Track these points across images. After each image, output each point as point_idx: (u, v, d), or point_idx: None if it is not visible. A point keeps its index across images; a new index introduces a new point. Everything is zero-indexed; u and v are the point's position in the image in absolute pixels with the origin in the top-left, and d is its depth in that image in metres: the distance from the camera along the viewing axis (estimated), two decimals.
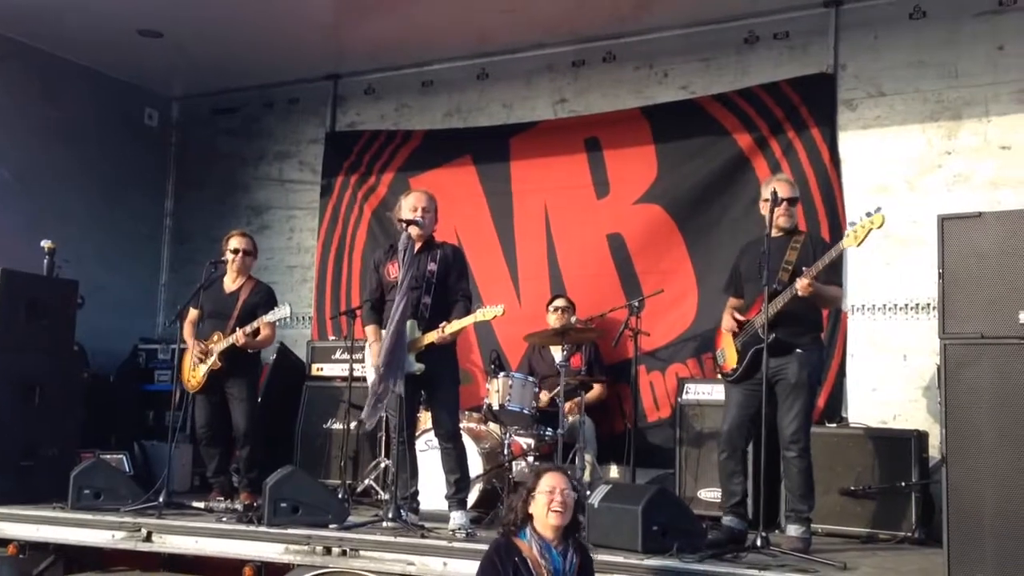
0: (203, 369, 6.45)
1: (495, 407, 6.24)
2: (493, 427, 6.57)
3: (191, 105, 9.61)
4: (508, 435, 6.28)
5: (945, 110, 6.63)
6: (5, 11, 7.54)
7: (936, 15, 6.70)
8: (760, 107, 7.16)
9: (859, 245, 4.94)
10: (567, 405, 6.28)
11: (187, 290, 7.39)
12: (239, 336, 6.31)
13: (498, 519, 5.24)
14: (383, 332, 5.51)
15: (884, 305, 6.66)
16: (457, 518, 5.38)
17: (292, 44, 8.09)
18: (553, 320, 6.97)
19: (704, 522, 5.36)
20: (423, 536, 5.03)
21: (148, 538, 5.55)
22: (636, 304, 6.64)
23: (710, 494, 6.09)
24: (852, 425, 6.22)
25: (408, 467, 5.61)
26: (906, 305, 6.59)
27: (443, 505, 5.57)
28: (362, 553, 4.99)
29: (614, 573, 4.45)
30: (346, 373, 7.02)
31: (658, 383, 7.23)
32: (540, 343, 6.88)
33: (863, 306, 6.71)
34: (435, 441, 5.75)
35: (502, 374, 6.34)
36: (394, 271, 5.56)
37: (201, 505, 6.25)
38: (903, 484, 5.70)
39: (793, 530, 5.07)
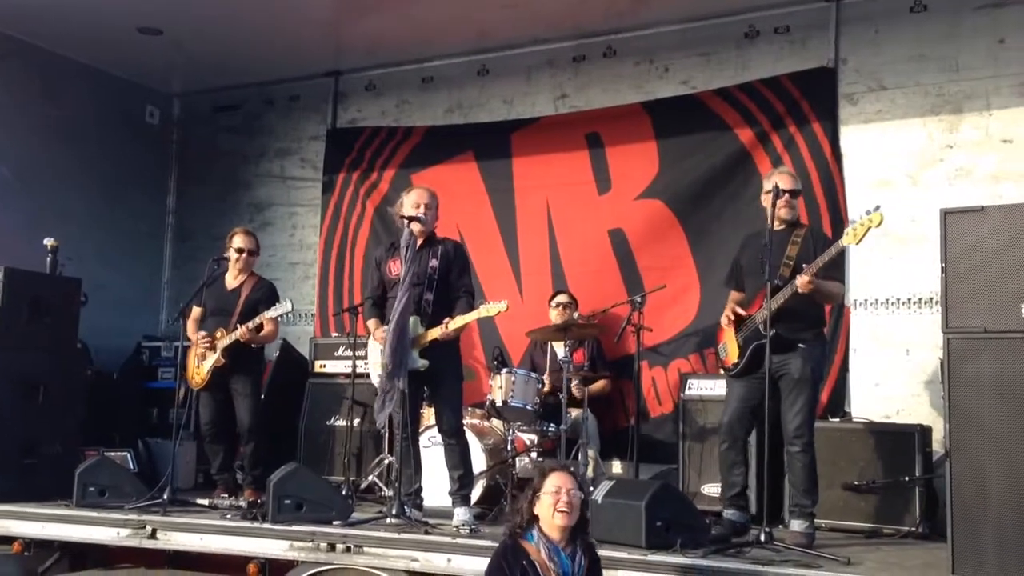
0: (207, 366, 6.45)
1: (498, 403, 6.24)
2: (496, 423, 6.58)
3: (192, 102, 9.61)
4: (511, 431, 6.29)
5: (946, 104, 6.63)
6: (5, 9, 7.53)
7: (937, 9, 6.70)
8: (761, 102, 7.15)
9: (858, 243, 4.93)
10: (572, 387, 6.29)
11: (189, 287, 7.39)
12: (242, 331, 6.31)
13: (502, 516, 5.25)
14: (385, 328, 5.52)
15: (887, 300, 6.66)
16: (461, 514, 5.38)
17: (293, 41, 8.09)
18: (555, 316, 6.97)
19: (707, 517, 5.37)
20: (427, 532, 5.04)
21: (153, 535, 5.56)
22: (638, 300, 6.64)
23: (713, 489, 6.09)
24: (855, 420, 6.21)
25: (412, 463, 5.62)
26: (908, 299, 6.59)
27: (447, 501, 5.58)
28: (366, 549, 5.00)
29: (618, 569, 4.45)
30: (349, 370, 7.02)
31: (660, 379, 7.23)
32: (542, 339, 6.89)
33: (865, 301, 6.71)
34: (438, 437, 5.75)
35: (505, 370, 6.34)
36: (396, 268, 5.56)
37: (205, 502, 6.26)
38: (906, 479, 5.69)
39: (797, 525, 5.07)
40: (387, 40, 8.05)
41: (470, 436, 6.06)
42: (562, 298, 7.11)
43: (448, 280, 5.63)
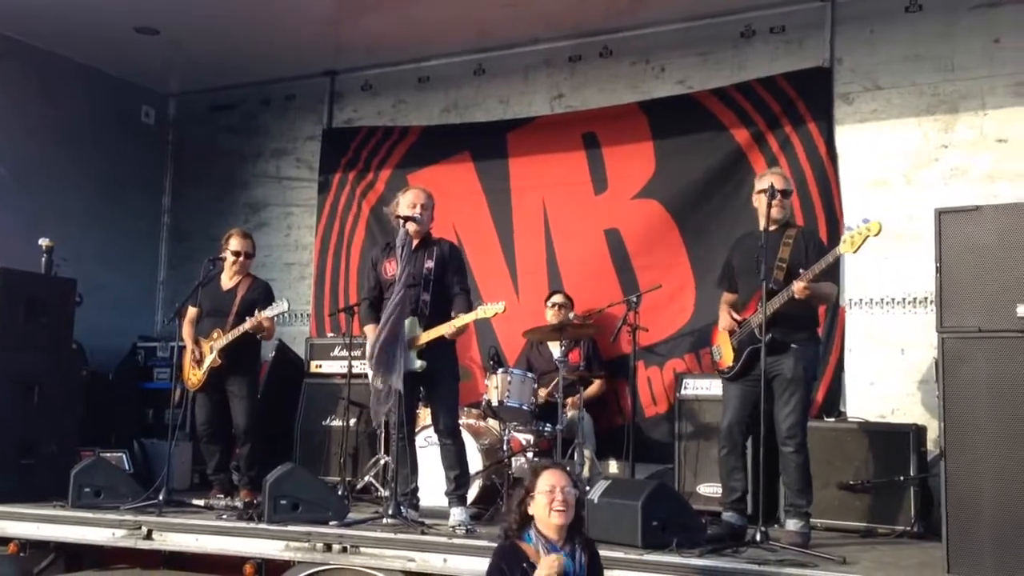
0: (203, 367, 6.45)
1: (494, 403, 6.25)
2: (492, 423, 6.58)
3: (188, 102, 9.60)
4: (507, 431, 6.30)
5: (941, 103, 6.64)
6: (2, 9, 7.52)
7: (932, 9, 6.70)
8: (757, 101, 7.16)
9: (855, 252, 4.93)
10: (568, 401, 6.30)
11: (185, 288, 7.38)
12: (249, 323, 6.29)
13: (498, 516, 5.25)
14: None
15: (882, 299, 6.67)
16: (457, 514, 5.39)
17: (289, 41, 8.08)
18: (551, 316, 6.98)
19: (703, 517, 5.38)
20: (423, 532, 5.04)
21: (148, 536, 5.56)
22: (634, 300, 6.65)
23: (709, 489, 6.11)
24: (850, 419, 6.22)
25: (408, 463, 5.62)
26: (903, 299, 6.60)
27: (443, 501, 5.58)
28: (362, 550, 5.00)
29: (614, 568, 4.44)
30: (345, 370, 7.02)
31: (656, 378, 7.24)
32: (538, 339, 6.89)
33: (861, 300, 6.71)
34: (435, 437, 5.76)
35: (501, 370, 6.34)
36: (392, 268, 5.56)
37: (201, 503, 6.26)
38: (901, 478, 5.70)
39: (792, 525, 5.08)
40: (384, 40, 8.04)
41: (466, 436, 6.06)
42: (558, 298, 7.12)
43: (444, 281, 5.64)
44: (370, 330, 5.72)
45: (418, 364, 5.46)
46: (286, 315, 6.70)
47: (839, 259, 5.18)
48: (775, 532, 5.03)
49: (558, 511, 3.55)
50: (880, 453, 5.82)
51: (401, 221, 5.57)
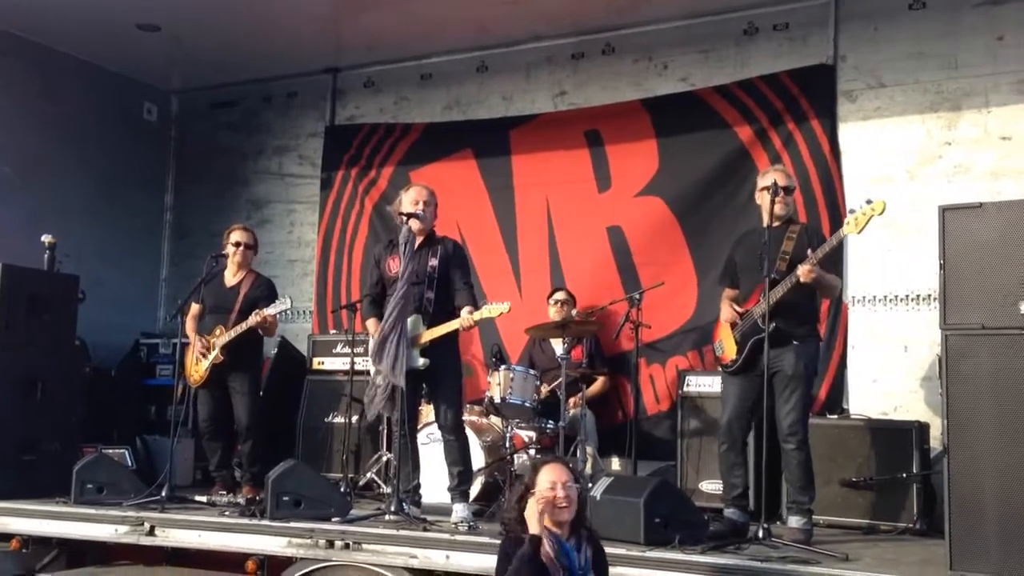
0: (205, 363, 6.45)
1: (496, 400, 6.25)
2: (495, 420, 6.58)
3: (190, 99, 9.60)
4: (510, 428, 6.29)
5: (945, 101, 6.63)
6: (4, 7, 7.52)
7: (935, 6, 6.69)
8: (760, 99, 7.15)
9: (860, 232, 4.94)
10: (570, 400, 6.30)
11: (187, 285, 7.38)
12: (252, 319, 6.30)
13: (499, 513, 5.24)
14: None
15: (885, 296, 6.66)
16: (460, 510, 5.39)
17: (291, 38, 8.08)
18: (553, 313, 6.97)
19: (706, 514, 5.38)
20: (425, 529, 5.04)
21: (151, 532, 5.55)
22: (636, 296, 6.64)
23: (712, 486, 6.11)
24: (853, 416, 6.22)
25: (410, 460, 5.62)
26: (907, 296, 6.59)
27: (445, 498, 5.58)
28: (365, 546, 4.99)
29: (616, 565, 4.42)
30: (347, 366, 7.02)
31: (658, 376, 7.24)
32: (541, 336, 6.89)
33: (864, 297, 6.71)
34: (437, 434, 5.76)
35: (503, 367, 6.34)
36: (395, 266, 5.57)
37: (204, 499, 6.26)
38: (904, 475, 5.70)
39: (794, 521, 5.08)
40: (386, 36, 8.04)
41: (468, 433, 6.05)
42: (560, 295, 7.11)
43: (448, 279, 5.63)
44: (372, 324, 5.72)
45: (420, 362, 5.46)
46: (289, 312, 6.69)
47: (842, 252, 5.16)
48: (777, 529, 5.03)
49: (561, 508, 3.51)
50: (883, 450, 5.82)
51: (404, 218, 5.57)
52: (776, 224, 5.25)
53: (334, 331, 8.02)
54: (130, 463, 7.21)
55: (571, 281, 7.43)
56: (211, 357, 6.43)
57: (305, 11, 7.54)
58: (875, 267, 6.63)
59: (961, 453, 4.25)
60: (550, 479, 3.55)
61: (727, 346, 5.39)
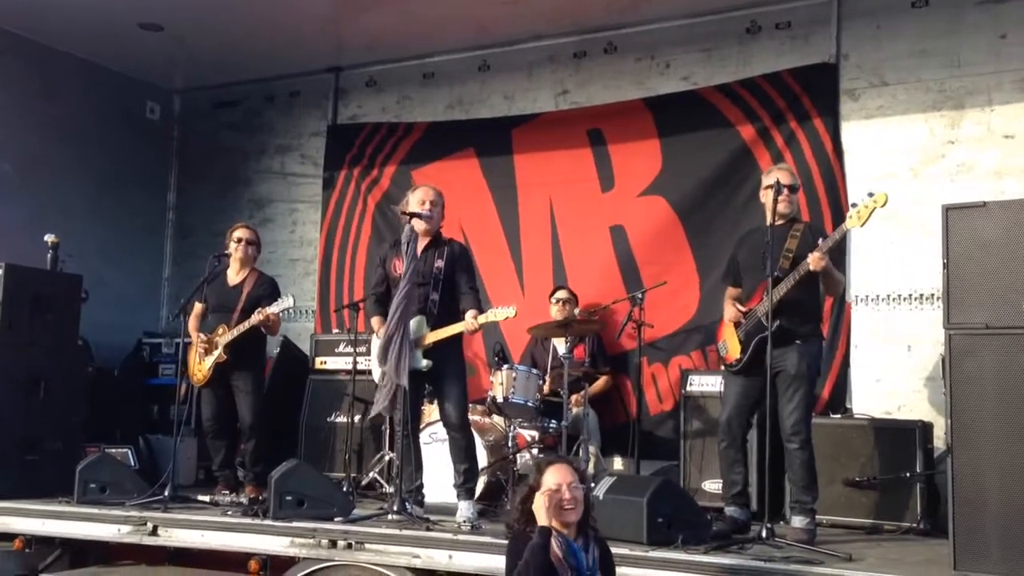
0: (209, 362, 6.45)
1: (499, 400, 6.24)
2: (497, 420, 6.58)
3: (192, 99, 9.60)
4: (512, 428, 6.29)
5: (948, 99, 6.62)
6: (4, 5, 7.52)
7: (938, 4, 6.68)
8: (762, 97, 7.14)
9: (863, 225, 4.94)
10: (572, 398, 6.29)
11: (190, 284, 7.39)
12: (255, 317, 6.29)
13: (502, 513, 5.24)
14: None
15: (888, 295, 6.65)
16: (464, 509, 5.39)
17: (293, 37, 8.08)
18: (555, 312, 6.97)
19: (709, 513, 5.38)
20: (428, 529, 5.04)
21: (154, 532, 5.55)
22: (639, 296, 6.64)
23: (714, 485, 6.09)
24: (856, 416, 6.21)
25: (413, 460, 5.62)
26: (910, 295, 6.58)
27: (448, 498, 5.58)
28: (367, 546, 4.99)
29: (619, 565, 4.38)
30: (350, 366, 7.02)
31: (661, 375, 7.23)
32: (543, 335, 6.88)
33: (867, 296, 6.69)
34: (440, 434, 5.76)
35: (506, 367, 6.33)
36: (400, 266, 5.56)
37: (206, 499, 6.26)
38: (908, 475, 5.69)
39: (798, 521, 5.07)
40: (388, 36, 8.03)
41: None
42: (562, 294, 7.11)
43: (453, 281, 5.64)
44: (376, 323, 5.73)
45: (424, 363, 5.45)
46: (291, 311, 6.69)
47: (845, 251, 5.15)
48: (781, 529, 5.02)
49: (568, 509, 3.48)
50: (886, 450, 5.81)
51: (407, 218, 5.56)
52: (779, 223, 5.25)
53: (336, 331, 8.01)
54: (133, 463, 7.23)
55: (573, 280, 7.43)
56: (215, 355, 6.43)
57: (307, 11, 7.54)
58: (878, 267, 6.62)
59: (965, 453, 4.24)
60: (556, 480, 3.51)
61: (731, 345, 5.39)
